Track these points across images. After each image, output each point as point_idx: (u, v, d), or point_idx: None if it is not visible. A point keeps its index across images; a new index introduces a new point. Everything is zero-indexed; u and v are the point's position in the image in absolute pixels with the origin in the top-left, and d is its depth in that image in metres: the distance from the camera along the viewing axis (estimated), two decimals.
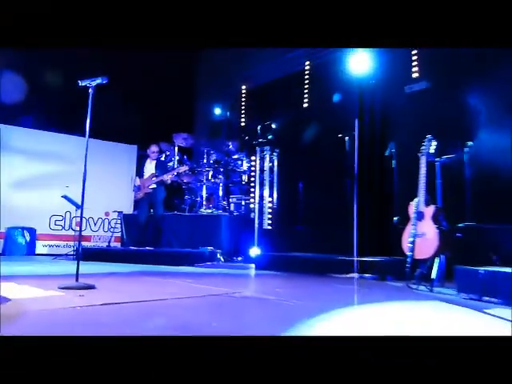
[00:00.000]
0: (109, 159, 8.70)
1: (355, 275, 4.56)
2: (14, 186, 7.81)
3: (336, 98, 6.46)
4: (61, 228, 8.49)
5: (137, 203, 7.49)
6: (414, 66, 5.96)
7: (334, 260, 5.02)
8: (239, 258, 6.63)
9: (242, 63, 8.34)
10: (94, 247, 8.05)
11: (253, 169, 7.78)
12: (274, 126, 7.28)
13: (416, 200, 4.06)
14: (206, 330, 2.03)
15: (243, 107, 8.95)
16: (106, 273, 4.78)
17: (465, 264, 3.41)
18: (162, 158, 7.58)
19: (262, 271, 5.41)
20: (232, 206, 7.77)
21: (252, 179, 7.77)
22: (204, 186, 7.66)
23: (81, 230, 3.75)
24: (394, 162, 5.32)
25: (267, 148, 7.23)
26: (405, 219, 4.18)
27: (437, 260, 3.89)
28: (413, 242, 3.96)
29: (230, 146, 7.89)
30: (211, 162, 7.70)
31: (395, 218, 4.55)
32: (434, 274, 3.82)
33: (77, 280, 3.18)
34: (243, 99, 8.97)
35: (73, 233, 8.15)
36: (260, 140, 7.22)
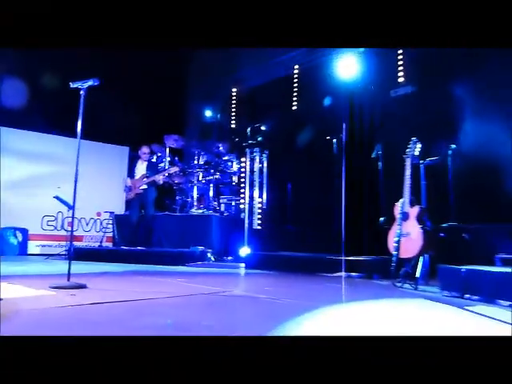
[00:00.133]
0: (101, 160, 8.72)
1: (343, 274, 4.65)
2: (6, 187, 7.80)
3: (327, 101, 6.56)
4: (53, 228, 8.49)
5: (128, 203, 7.53)
6: (400, 71, 6.10)
7: (322, 259, 5.11)
8: (229, 258, 6.70)
9: (233, 66, 8.42)
10: (85, 247, 8.07)
11: (243, 170, 7.86)
12: (263, 128, 7.36)
13: (401, 201, 4.16)
14: (197, 328, 2.06)
15: (233, 109, 9.04)
16: (98, 272, 4.81)
17: (448, 263, 3.52)
18: (154, 159, 7.62)
19: (252, 270, 5.48)
20: (222, 206, 7.84)
21: (242, 180, 7.85)
22: (195, 187, 7.72)
23: (72, 230, 3.79)
24: (380, 163, 5.43)
25: (257, 149, 7.32)
26: (390, 219, 4.28)
27: (421, 259, 4.00)
28: (398, 242, 4.06)
29: (221, 148, 7.96)
30: (202, 163, 7.76)
31: (381, 219, 4.66)
32: (418, 273, 3.92)
33: (68, 279, 3.20)
34: (233, 102, 9.06)
35: (65, 233, 8.16)
36: (250, 142, 7.31)
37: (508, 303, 2.84)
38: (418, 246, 4.00)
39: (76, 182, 3.35)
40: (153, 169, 7.14)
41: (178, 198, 7.89)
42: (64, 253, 7.16)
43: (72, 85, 3.45)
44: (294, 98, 7.71)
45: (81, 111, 3.43)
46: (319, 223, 6.35)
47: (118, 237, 7.53)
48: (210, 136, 8.46)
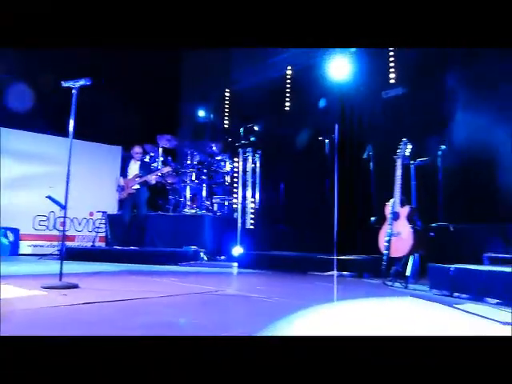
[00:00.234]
0: (93, 160, 8.68)
1: (334, 273, 4.69)
2: None
3: (322, 103, 6.61)
4: (45, 228, 8.45)
5: (121, 203, 7.52)
6: (391, 72, 6.17)
7: (314, 258, 5.15)
8: (222, 257, 6.72)
9: (226, 66, 8.45)
10: (78, 247, 8.04)
11: (236, 170, 7.89)
12: (256, 128, 7.40)
13: (392, 201, 4.21)
14: (189, 327, 2.09)
15: (226, 110, 9.07)
16: (90, 272, 4.80)
17: (437, 262, 3.57)
18: (146, 159, 7.62)
19: (245, 270, 5.51)
20: (215, 206, 7.87)
21: (235, 180, 7.88)
22: (188, 187, 7.73)
23: (64, 230, 3.79)
24: (371, 164, 5.49)
25: (250, 150, 7.35)
26: (381, 219, 4.33)
27: (411, 258, 4.06)
28: (389, 241, 4.11)
29: (214, 148, 7.98)
30: (195, 163, 7.77)
31: (372, 218, 4.71)
32: (408, 272, 3.98)
33: (60, 279, 3.20)
34: (227, 102, 9.08)
35: (57, 233, 8.12)
36: (243, 142, 7.34)
37: (495, 301, 2.89)
38: (408, 246, 4.05)
39: (68, 181, 3.35)
40: (146, 169, 7.14)
41: (171, 197, 7.90)
42: (56, 253, 7.14)
43: (64, 84, 3.45)
44: (287, 99, 7.76)
45: (73, 110, 3.43)
46: (311, 223, 6.40)
47: (111, 236, 7.52)
48: (203, 136, 8.47)
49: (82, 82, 3.43)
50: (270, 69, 7.82)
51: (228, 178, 8.11)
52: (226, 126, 9.02)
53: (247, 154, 7.40)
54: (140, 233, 6.95)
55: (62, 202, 3.47)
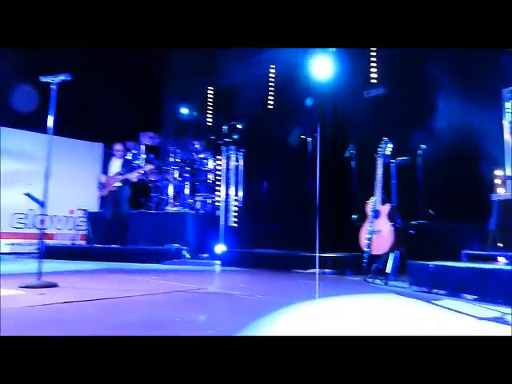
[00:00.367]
0: (74, 157, 8.54)
1: (317, 270, 4.72)
2: None
3: (309, 102, 6.63)
4: (23, 226, 8.28)
5: (102, 201, 7.44)
6: (373, 72, 6.25)
7: (296, 256, 5.19)
8: (205, 255, 6.70)
9: (210, 64, 8.41)
10: (58, 245, 7.89)
11: (219, 168, 7.88)
12: (239, 126, 7.39)
13: (373, 199, 4.27)
14: (171, 326, 2.08)
15: (210, 107, 9.04)
16: (70, 271, 4.74)
17: (417, 259, 3.63)
18: (129, 157, 7.55)
19: (228, 267, 5.51)
20: (198, 204, 7.83)
21: (218, 178, 7.86)
22: (170, 185, 7.68)
23: (43, 228, 3.73)
24: (353, 162, 5.54)
25: (233, 148, 7.34)
26: (363, 217, 4.39)
27: (391, 255, 4.12)
28: (370, 239, 4.17)
29: (197, 146, 7.95)
30: (178, 160, 7.73)
31: (354, 216, 4.76)
32: (388, 269, 4.04)
33: (39, 278, 3.16)
34: (210, 100, 9.05)
35: (36, 231, 7.97)
36: (226, 140, 7.32)
37: (472, 297, 2.96)
38: (388, 243, 4.12)
39: (47, 178, 3.30)
40: (128, 166, 7.08)
41: (153, 195, 7.84)
42: (35, 251, 7.00)
43: (42, 79, 3.39)
44: (270, 97, 7.79)
45: (52, 106, 3.38)
46: (294, 221, 6.44)
47: (92, 235, 7.42)
48: (186, 134, 8.41)
49: (61, 78, 3.37)
50: (254, 67, 7.83)
51: (211, 176, 8.09)
52: (209, 124, 8.98)
53: (230, 152, 7.38)
54: (122, 231, 6.89)
55: (41, 199, 3.41)
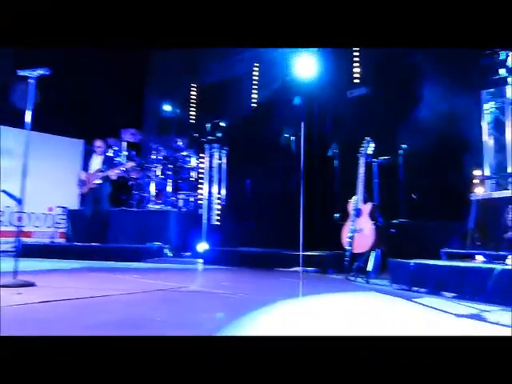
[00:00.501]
0: (53, 153, 8.38)
1: (299, 269, 4.74)
2: None
3: (297, 100, 6.63)
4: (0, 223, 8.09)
5: (83, 198, 7.33)
6: (356, 72, 6.30)
7: (279, 254, 5.19)
8: (187, 254, 6.66)
9: (193, 61, 8.35)
10: (36, 243, 7.74)
11: (202, 166, 7.83)
12: (223, 124, 7.36)
13: (355, 198, 4.30)
14: (151, 325, 2.05)
15: (193, 105, 8.98)
16: (48, 269, 4.65)
17: (397, 257, 3.67)
18: (110, 154, 7.44)
19: (210, 266, 5.48)
20: (181, 201, 7.78)
21: (201, 176, 7.82)
22: (152, 182, 7.61)
23: (20, 225, 3.65)
24: (336, 161, 5.58)
25: (216, 146, 7.31)
26: (345, 216, 4.42)
27: (373, 254, 4.16)
28: (351, 237, 4.20)
29: (180, 143, 7.89)
30: (160, 158, 7.66)
31: (336, 215, 4.79)
32: (370, 267, 4.08)
33: (15, 277, 3.09)
34: (193, 97, 9.00)
35: (13, 228, 7.78)
36: (209, 138, 7.28)
37: (451, 295, 3.01)
38: (370, 242, 4.15)
39: (25, 175, 3.23)
40: (109, 163, 6.99)
41: (135, 193, 7.75)
42: (11, 249, 6.85)
43: (20, 73, 3.31)
44: (254, 96, 7.78)
45: (30, 101, 3.30)
46: (277, 219, 6.45)
47: (72, 232, 7.30)
48: (169, 131, 8.34)
49: (40, 72, 3.30)
50: (238, 65, 7.81)
51: (194, 174, 8.04)
52: (192, 122, 8.92)
53: (213, 150, 7.35)
54: (102, 229, 6.79)
55: (19, 196, 3.33)
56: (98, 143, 7.01)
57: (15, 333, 1.77)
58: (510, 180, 4.78)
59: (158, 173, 7.63)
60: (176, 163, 7.71)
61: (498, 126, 5.12)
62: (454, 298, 2.97)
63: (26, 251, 5.84)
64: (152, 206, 7.43)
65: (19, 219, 3.74)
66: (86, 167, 7.09)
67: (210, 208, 7.20)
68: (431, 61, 5.18)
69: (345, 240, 4.29)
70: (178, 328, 2.02)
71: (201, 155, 7.87)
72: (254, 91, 7.80)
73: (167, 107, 8.46)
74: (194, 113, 9.03)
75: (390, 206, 4.80)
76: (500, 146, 5.11)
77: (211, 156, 7.37)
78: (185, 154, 7.84)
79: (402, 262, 3.54)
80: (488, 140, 5.15)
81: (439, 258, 3.98)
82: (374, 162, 4.66)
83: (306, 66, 5.71)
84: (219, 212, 7.38)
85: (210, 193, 7.28)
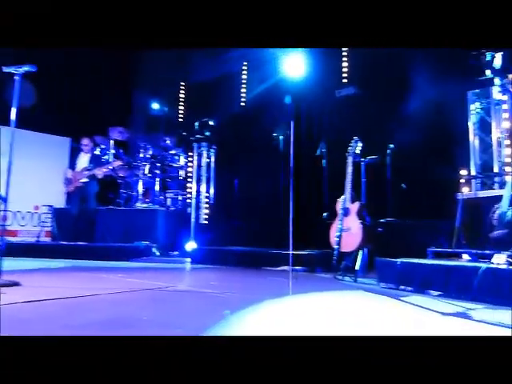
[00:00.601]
0: (39, 151, 8.27)
1: (287, 268, 4.74)
2: None
3: (288, 99, 6.62)
4: None
5: (69, 197, 7.25)
6: (344, 72, 6.34)
7: (267, 253, 5.20)
8: (175, 253, 6.63)
9: (182, 59, 8.31)
10: (21, 242, 7.62)
11: (190, 164, 7.80)
12: (211, 122, 7.34)
13: (343, 197, 4.32)
14: (138, 325, 2.03)
15: (182, 103, 8.94)
16: (34, 269, 4.59)
17: (385, 256, 3.70)
18: (97, 152, 7.37)
19: (198, 265, 5.46)
20: (169, 200, 7.73)
21: (189, 174, 7.79)
22: (140, 181, 7.55)
23: (4, 224, 3.59)
24: (324, 161, 5.60)
25: (205, 144, 7.28)
26: (333, 215, 4.43)
27: (360, 253, 4.18)
28: (339, 236, 4.22)
29: (168, 142, 7.85)
30: (148, 156, 7.61)
31: (324, 214, 4.81)
32: (357, 266, 4.10)
33: None
34: (182, 95, 8.95)
35: None
36: (198, 136, 7.25)
37: (437, 293, 3.04)
38: (357, 241, 4.17)
39: (9, 173, 3.18)
40: (96, 161, 6.91)
41: (122, 191, 7.69)
42: None
43: (5, 69, 3.25)
44: (243, 94, 7.77)
45: (16, 98, 3.25)
46: (265, 218, 6.45)
47: (58, 231, 7.21)
48: (157, 129, 8.29)
49: (25, 68, 3.25)
50: (227, 63, 7.78)
51: (182, 173, 8.01)
52: (180, 120, 8.88)
53: (202, 149, 7.33)
54: (88, 227, 6.72)
55: (3, 194, 3.28)
56: (86, 141, 6.93)
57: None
58: (495, 180, 4.86)
59: (146, 171, 7.58)
60: (164, 162, 7.67)
61: (484, 127, 5.20)
62: (440, 296, 3.00)
63: (11, 250, 5.72)
64: (140, 205, 7.38)
65: (4, 218, 3.69)
66: (72, 165, 7.00)
67: (198, 207, 7.17)
68: (419, 61, 5.22)
69: (333, 239, 4.30)
70: (165, 327, 2.00)
71: (189, 154, 7.84)
72: (242, 90, 7.79)
73: (155, 105, 8.41)
74: (182, 111, 8.99)
75: (377, 205, 4.83)
76: (485, 146, 5.19)
77: (199, 155, 7.34)
78: (173, 152, 7.80)
79: (388, 261, 3.56)
80: (474, 140, 5.23)
81: (426, 257, 4.03)
82: (362, 161, 4.69)
83: (294, 65, 5.72)
84: (207, 211, 7.36)
85: (198, 192, 7.25)
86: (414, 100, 5.31)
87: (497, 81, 4.68)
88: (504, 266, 2.93)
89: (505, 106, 4.90)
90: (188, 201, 7.59)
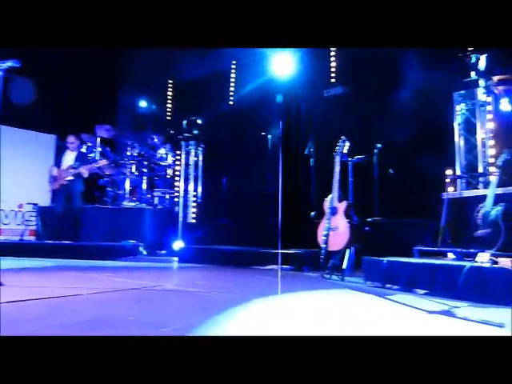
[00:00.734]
0: (24, 148, 8.15)
1: (275, 266, 4.75)
2: None
3: (279, 98, 6.62)
4: None
5: (54, 195, 7.15)
6: (333, 72, 6.37)
7: (255, 252, 5.19)
8: (163, 252, 6.59)
9: (170, 57, 8.26)
10: (4, 241, 7.51)
11: (178, 163, 7.76)
12: (199, 121, 7.31)
13: (330, 196, 4.34)
14: (123, 325, 2.01)
15: (169, 101, 8.90)
16: (17, 268, 4.50)
17: (372, 255, 3.73)
18: (83, 150, 7.28)
19: (186, 264, 5.43)
20: (156, 199, 7.68)
21: (177, 173, 7.75)
22: (127, 179, 7.49)
23: None
24: (312, 160, 5.61)
25: (192, 143, 7.26)
26: (320, 214, 4.45)
27: (347, 251, 4.20)
28: (327, 235, 4.23)
29: (155, 140, 7.80)
30: (135, 154, 7.54)
31: (312, 213, 4.83)
32: (344, 265, 4.12)
33: None
34: (170, 93, 8.91)
35: None
36: (185, 135, 7.22)
37: (423, 291, 3.07)
38: (344, 240, 4.19)
39: None
40: (82, 159, 6.83)
41: (109, 190, 7.61)
42: None
43: None
44: (231, 93, 7.76)
45: None
46: (253, 217, 6.45)
47: (42, 230, 7.11)
48: (145, 127, 8.23)
49: (9, 64, 3.18)
50: (215, 62, 7.77)
51: (170, 171, 7.96)
52: (168, 118, 8.83)
53: (190, 147, 7.30)
54: (74, 226, 6.63)
55: None
56: (71, 139, 6.84)
57: None
58: (479, 180, 4.94)
59: (133, 169, 7.52)
60: (151, 160, 7.62)
61: (469, 128, 5.28)
62: (425, 294, 3.03)
63: None
64: (127, 204, 7.32)
65: None
66: (58, 163, 6.91)
67: (185, 206, 7.14)
68: (407, 61, 5.27)
69: (320, 238, 4.31)
70: (151, 327, 1.98)
71: (177, 152, 7.80)
72: (231, 89, 7.79)
73: (143, 103, 8.35)
74: (170, 109, 8.94)
75: (364, 204, 4.87)
76: (470, 146, 5.27)
77: (187, 153, 7.31)
78: (161, 151, 7.75)
79: (375, 260, 3.59)
80: (459, 141, 5.30)
81: (412, 256, 4.06)
82: (350, 160, 4.72)
83: (283, 64, 5.73)
84: (195, 210, 7.34)
85: (186, 190, 7.22)
86: (402, 100, 5.36)
87: (481, 82, 4.76)
88: (487, 265, 2.97)
89: (489, 108, 4.98)
90: (176, 199, 7.56)
